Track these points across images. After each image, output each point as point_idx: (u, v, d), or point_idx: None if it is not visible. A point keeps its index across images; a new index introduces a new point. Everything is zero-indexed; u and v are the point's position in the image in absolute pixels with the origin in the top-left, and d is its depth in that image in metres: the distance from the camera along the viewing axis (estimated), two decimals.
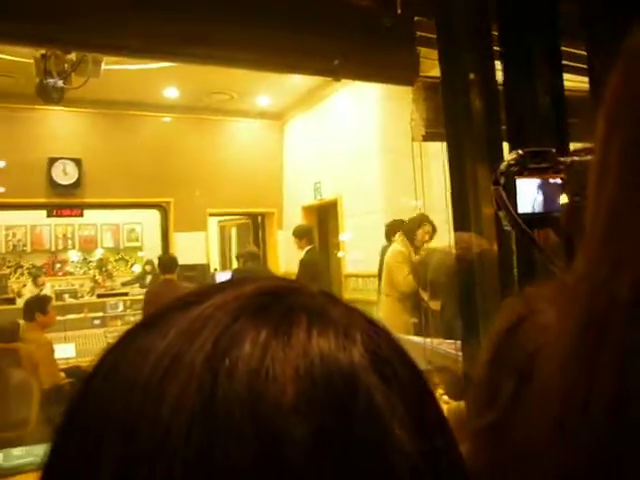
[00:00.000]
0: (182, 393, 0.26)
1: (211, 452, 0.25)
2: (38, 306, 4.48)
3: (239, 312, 0.29)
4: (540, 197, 0.79)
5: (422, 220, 4.39)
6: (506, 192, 0.78)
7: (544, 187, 0.79)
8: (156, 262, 8.23)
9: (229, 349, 0.27)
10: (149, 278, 7.66)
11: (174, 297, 0.33)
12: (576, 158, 0.80)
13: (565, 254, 0.74)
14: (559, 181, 0.79)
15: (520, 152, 0.81)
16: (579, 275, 0.32)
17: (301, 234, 5.82)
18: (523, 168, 0.78)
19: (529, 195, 0.78)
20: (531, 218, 0.78)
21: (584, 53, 1.78)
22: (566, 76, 2.03)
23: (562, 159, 0.79)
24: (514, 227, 0.76)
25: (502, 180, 0.78)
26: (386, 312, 4.42)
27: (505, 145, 2.25)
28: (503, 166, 0.80)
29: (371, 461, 0.26)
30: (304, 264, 5.70)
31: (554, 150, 0.82)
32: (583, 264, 0.32)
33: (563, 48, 2.08)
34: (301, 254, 5.76)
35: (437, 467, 0.28)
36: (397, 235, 4.58)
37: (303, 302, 0.31)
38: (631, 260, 0.29)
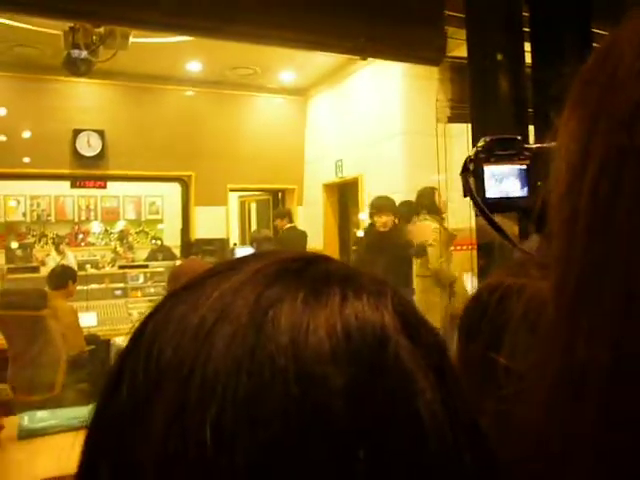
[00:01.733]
0: (230, 343, 0.29)
1: (257, 396, 0.28)
2: (63, 276, 4.57)
3: (276, 275, 0.32)
4: (507, 183, 0.83)
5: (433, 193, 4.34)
6: (475, 178, 0.81)
7: (510, 173, 0.82)
8: (168, 239, 8.35)
9: (271, 305, 0.30)
10: (161, 256, 7.73)
11: (202, 271, 0.36)
12: (541, 145, 0.83)
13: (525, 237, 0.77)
14: (525, 167, 0.82)
15: (487, 139, 0.84)
16: (551, 327, 0.30)
17: (282, 215, 6.43)
18: (490, 155, 0.82)
19: (496, 181, 0.82)
20: (497, 203, 0.81)
21: None
22: None
23: (527, 146, 0.83)
24: (480, 212, 0.79)
25: (472, 167, 0.81)
26: (421, 294, 4.21)
27: (532, 129, 2.22)
28: (472, 153, 0.83)
29: (399, 407, 0.29)
30: (279, 241, 6.10)
31: (520, 137, 0.86)
32: (555, 314, 0.30)
33: (595, 31, 2.03)
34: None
35: (453, 414, 0.31)
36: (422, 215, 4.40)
37: (334, 268, 0.34)
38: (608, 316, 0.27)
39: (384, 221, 4.60)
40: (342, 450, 0.27)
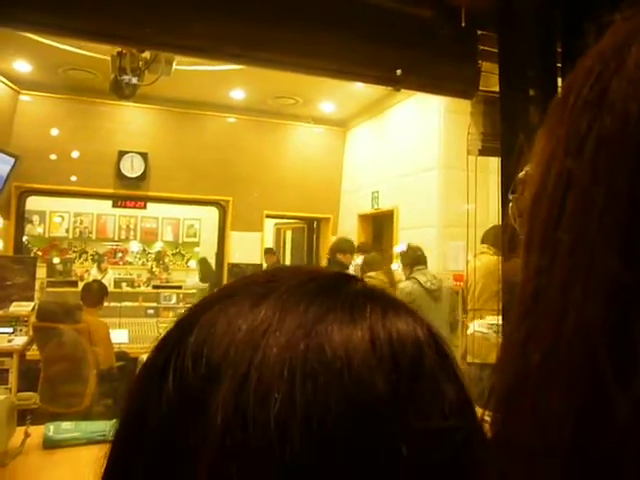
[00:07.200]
0: (284, 348, 0.32)
1: (313, 394, 0.31)
2: (99, 292, 4.68)
3: (317, 292, 0.36)
4: None
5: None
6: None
7: None
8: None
9: (319, 318, 0.34)
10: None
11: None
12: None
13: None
14: None
15: None
16: (505, 334, 0.33)
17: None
18: None
19: None
20: None
21: None
22: None
23: None
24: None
25: (519, 190, 0.80)
26: None
27: None
28: (521, 175, 0.82)
29: (429, 406, 0.34)
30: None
31: None
32: (510, 321, 0.31)
33: None
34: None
35: (466, 408, 0.36)
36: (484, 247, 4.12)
37: (368, 287, 0.39)
38: (544, 329, 0.28)
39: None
40: (387, 448, 0.31)
